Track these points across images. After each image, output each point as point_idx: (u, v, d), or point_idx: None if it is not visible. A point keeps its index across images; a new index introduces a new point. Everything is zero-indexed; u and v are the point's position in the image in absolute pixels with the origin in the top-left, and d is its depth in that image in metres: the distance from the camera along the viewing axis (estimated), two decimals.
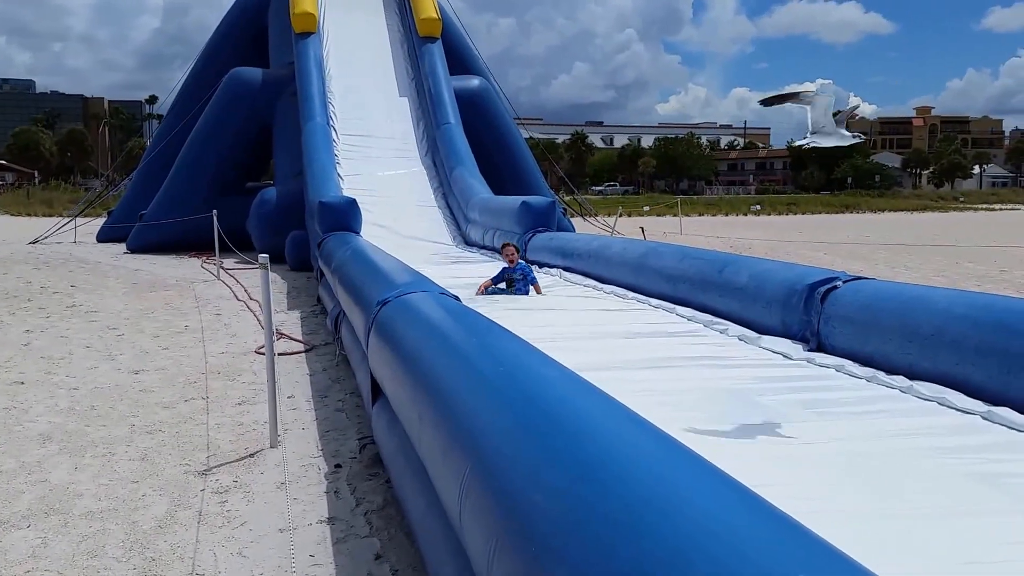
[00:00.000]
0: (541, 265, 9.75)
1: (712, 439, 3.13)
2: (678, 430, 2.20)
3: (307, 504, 4.00)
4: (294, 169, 15.64)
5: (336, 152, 15.11)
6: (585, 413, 2.19)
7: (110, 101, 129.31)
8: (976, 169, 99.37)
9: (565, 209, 21.38)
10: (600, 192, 74.75)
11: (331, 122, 15.69)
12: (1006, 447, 3.19)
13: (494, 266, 10.57)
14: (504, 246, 8.18)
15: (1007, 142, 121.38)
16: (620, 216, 25.08)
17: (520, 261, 7.98)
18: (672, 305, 6.59)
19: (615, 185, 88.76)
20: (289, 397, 6.03)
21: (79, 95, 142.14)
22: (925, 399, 3.86)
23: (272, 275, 5.69)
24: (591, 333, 5.71)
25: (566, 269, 9.30)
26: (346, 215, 11.09)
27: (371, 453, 4.58)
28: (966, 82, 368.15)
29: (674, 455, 1.87)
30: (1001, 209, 52.34)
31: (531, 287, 7.67)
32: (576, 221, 22.46)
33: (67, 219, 23.05)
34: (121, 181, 30.63)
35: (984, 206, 55.93)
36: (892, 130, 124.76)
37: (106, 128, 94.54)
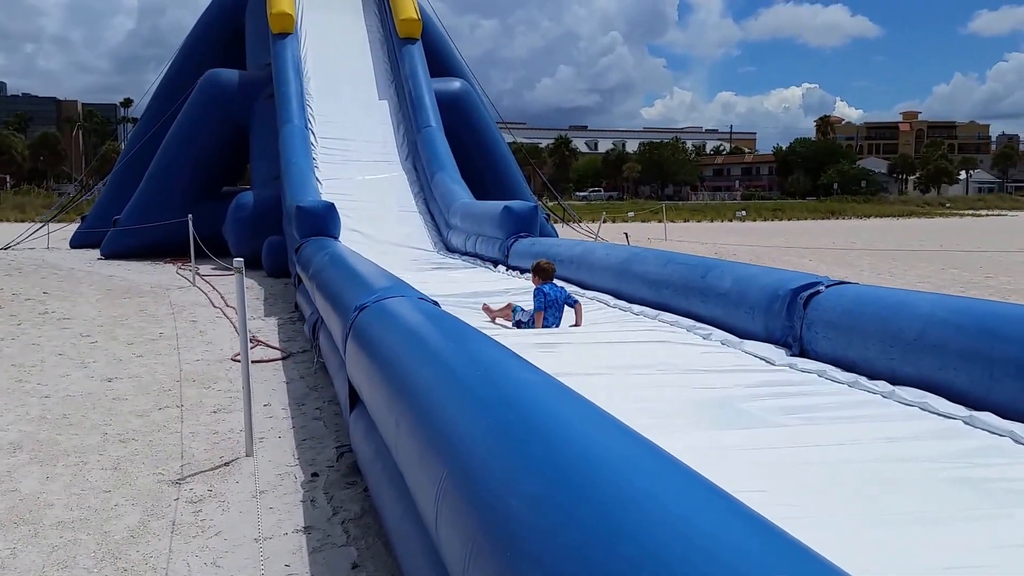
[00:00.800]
0: (523, 271, 9.70)
1: (693, 444, 3.10)
2: (659, 435, 2.16)
3: (283, 513, 3.93)
4: (271, 173, 15.49)
5: (314, 156, 14.96)
6: (564, 418, 2.16)
7: (84, 104, 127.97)
8: (962, 174, 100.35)
9: (548, 215, 21.37)
10: (584, 198, 74.83)
11: (309, 125, 15.50)
12: (988, 452, 3.18)
13: (475, 273, 10.54)
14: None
15: (994, 147, 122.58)
16: (604, 222, 25.16)
17: (545, 285, 6.45)
18: (655, 311, 6.57)
19: (599, 190, 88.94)
20: (265, 405, 5.95)
21: (52, 98, 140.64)
22: (907, 404, 3.85)
23: (249, 281, 5.63)
24: (572, 338, 5.68)
25: None
26: (324, 220, 10.98)
27: (349, 462, 4.52)
28: (953, 87, 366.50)
29: (654, 460, 1.84)
30: (987, 215, 53.00)
31: (532, 317, 6.36)
32: (559, 227, 22.46)
33: (40, 224, 22.74)
34: (95, 185, 30.30)
35: (970, 212, 56.67)
36: (878, 135, 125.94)
37: (80, 131, 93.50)
